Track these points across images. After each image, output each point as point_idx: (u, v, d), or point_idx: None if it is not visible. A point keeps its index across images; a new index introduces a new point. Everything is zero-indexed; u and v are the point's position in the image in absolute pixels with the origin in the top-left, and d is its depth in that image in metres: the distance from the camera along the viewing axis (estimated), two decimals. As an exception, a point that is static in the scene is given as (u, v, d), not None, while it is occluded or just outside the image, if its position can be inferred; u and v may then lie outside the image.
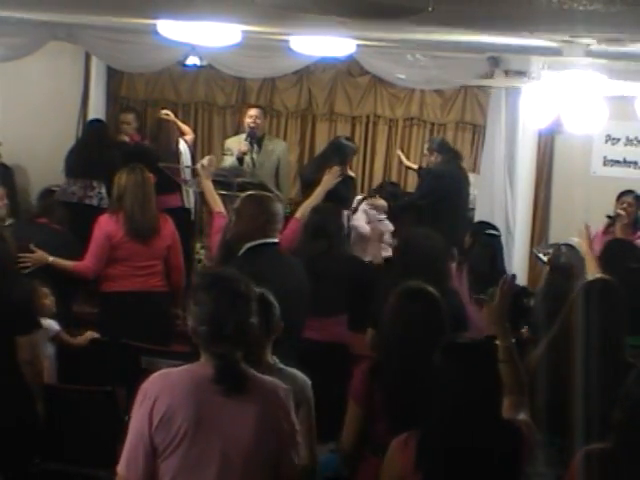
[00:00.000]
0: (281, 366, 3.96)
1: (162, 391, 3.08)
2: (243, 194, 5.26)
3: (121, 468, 3.13)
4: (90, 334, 5.71)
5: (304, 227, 5.91)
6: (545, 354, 4.04)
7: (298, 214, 6.19)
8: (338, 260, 5.87)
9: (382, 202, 8.07)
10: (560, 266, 5.49)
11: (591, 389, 3.68)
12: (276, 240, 4.93)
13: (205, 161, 6.54)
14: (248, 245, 4.83)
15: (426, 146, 8.52)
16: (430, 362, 3.57)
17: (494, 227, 7.03)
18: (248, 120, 8.51)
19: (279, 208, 5.02)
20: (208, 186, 6.14)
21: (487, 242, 6.49)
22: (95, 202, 7.65)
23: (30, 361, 4.78)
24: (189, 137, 9.04)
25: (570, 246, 5.73)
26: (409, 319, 3.91)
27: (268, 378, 3.26)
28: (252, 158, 8.26)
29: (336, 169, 6.81)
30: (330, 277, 5.68)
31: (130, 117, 9.10)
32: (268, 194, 5.28)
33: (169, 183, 7.75)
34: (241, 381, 3.10)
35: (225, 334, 3.06)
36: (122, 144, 8.57)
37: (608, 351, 3.86)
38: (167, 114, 8.94)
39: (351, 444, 3.95)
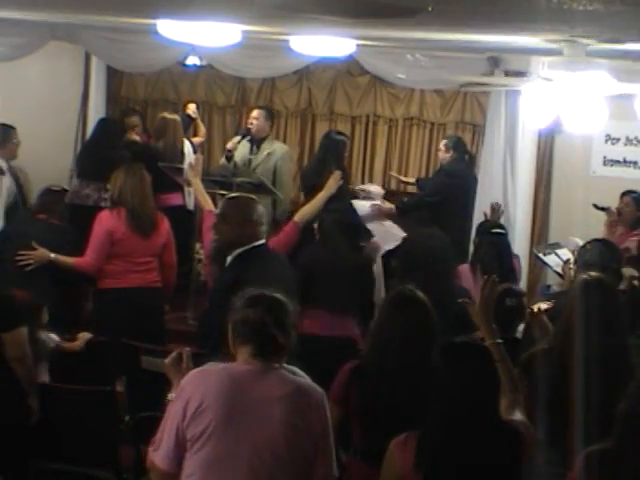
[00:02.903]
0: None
1: (198, 387, 3.16)
2: (227, 196, 5.32)
3: (159, 461, 3.18)
4: (84, 335, 5.67)
5: (331, 227, 5.96)
6: (546, 353, 4.03)
7: (297, 217, 6.23)
8: (357, 259, 5.91)
9: (375, 188, 8.02)
10: (588, 263, 5.40)
11: (591, 389, 3.67)
12: (263, 241, 4.94)
13: (192, 160, 6.61)
14: (239, 251, 4.85)
15: (443, 142, 8.58)
16: (411, 369, 3.60)
17: (500, 226, 7.04)
18: (249, 120, 8.48)
19: (262, 209, 5.07)
20: (197, 185, 6.22)
21: (492, 241, 6.48)
22: (110, 205, 7.64)
23: (18, 358, 4.86)
24: (198, 139, 9.10)
25: (599, 241, 5.69)
26: (393, 326, 3.89)
27: (306, 381, 3.31)
28: (249, 159, 8.22)
29: (337, 174, 6.85)
30: (347, 275, 5.71)
31: (136, 119, 9.07)
32: (251, 196, 5.29)
33: (171, 181, 7.77)
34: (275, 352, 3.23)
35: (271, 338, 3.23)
36: (132, 144, 8.56)
37: (607, 349, 3.84)
38: (194, 112, 9.38)
39: None
